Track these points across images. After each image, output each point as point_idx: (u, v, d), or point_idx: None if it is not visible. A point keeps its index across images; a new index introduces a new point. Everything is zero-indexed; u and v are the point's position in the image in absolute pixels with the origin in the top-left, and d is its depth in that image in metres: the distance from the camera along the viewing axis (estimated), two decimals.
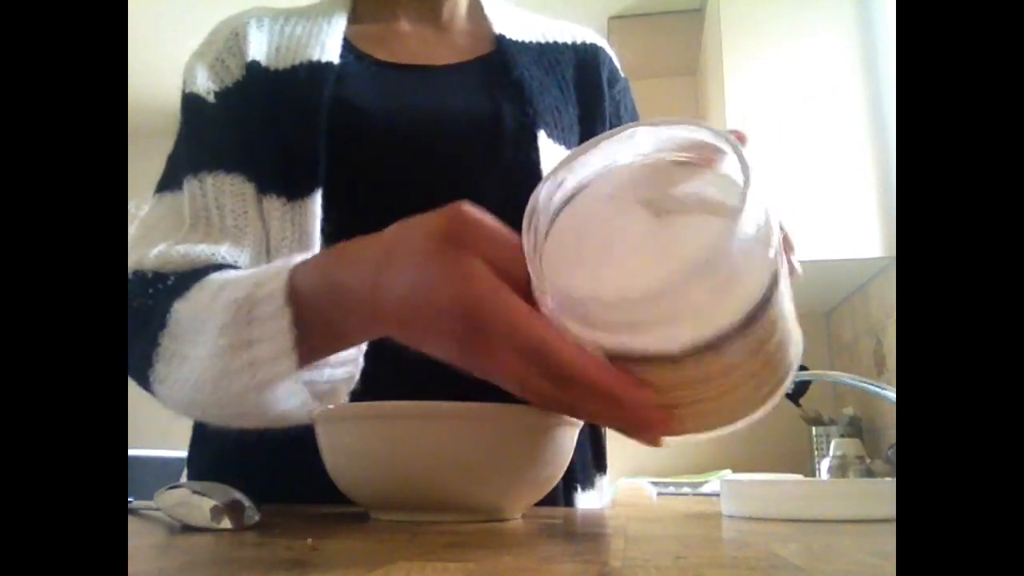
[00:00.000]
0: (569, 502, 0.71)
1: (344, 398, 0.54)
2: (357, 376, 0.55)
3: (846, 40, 2.14)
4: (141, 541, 0.33)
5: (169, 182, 0.71)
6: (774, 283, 0.35)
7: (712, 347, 0.34)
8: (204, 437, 0.72)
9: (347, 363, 0.54)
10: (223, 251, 0.64)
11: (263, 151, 0.69)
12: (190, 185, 0.68)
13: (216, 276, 0.58)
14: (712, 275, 0.33)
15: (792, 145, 2.09)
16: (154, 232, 0.67)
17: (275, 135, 0.69)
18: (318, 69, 0.71)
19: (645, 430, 0.38)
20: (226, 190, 0.67)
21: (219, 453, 0.68)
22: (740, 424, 0.37)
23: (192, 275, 0.59)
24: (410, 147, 0.69)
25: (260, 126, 0.70)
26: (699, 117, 2.91)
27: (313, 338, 0.48)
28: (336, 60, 0.72)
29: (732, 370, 0.35)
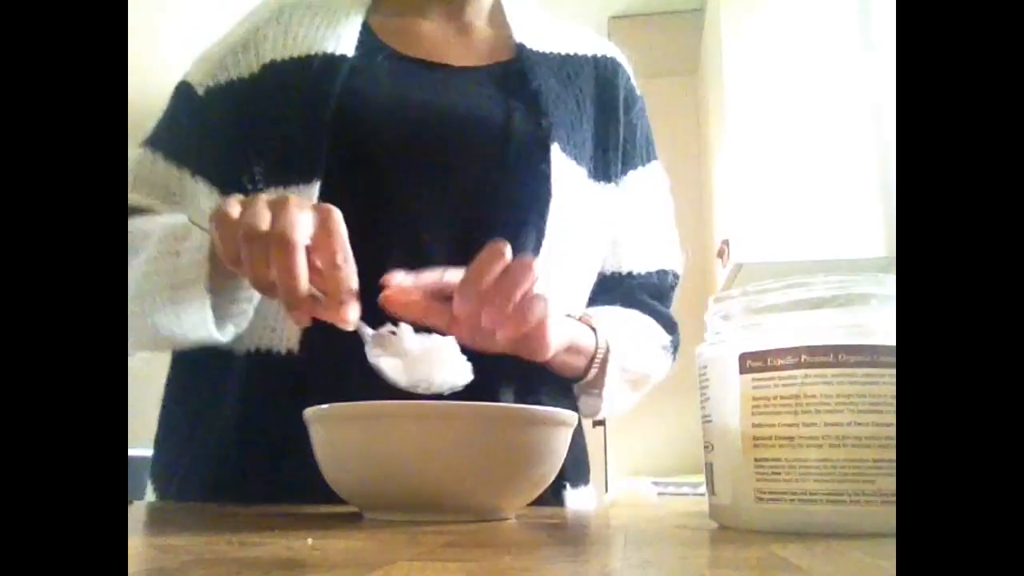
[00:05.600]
0: (559, 501, 0.70)
1: (229, 335, 0.63)
2: (244, 324, 0.64)
3: (846, 40, 2.14)
4: (141, 541, 0.33)
5: (146, 141, 0.77)
6: None
7: None
8: (197, 439, 0.72)
9: (240, 315, 0.63)
10: (155, 208, 0.73)
11: (264, 142, 0.70)
12: (144, 155, 0.75)
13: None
14: None
15: (792, 145, 2.09)
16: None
17: (281, 123, 0.69)
18: (330, 61, 0.70)
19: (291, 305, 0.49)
20: (171, 179, 0.73)
21: (212, 454, 0.68)
22: None
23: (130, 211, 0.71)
24: (415, 144, 0.69)
25: (265, 115, 0.70)
26: (699, 117, 2.91)
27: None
28: (350, 53, 0.71)
29: None
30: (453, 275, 0.55)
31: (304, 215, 0.50)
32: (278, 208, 0.50)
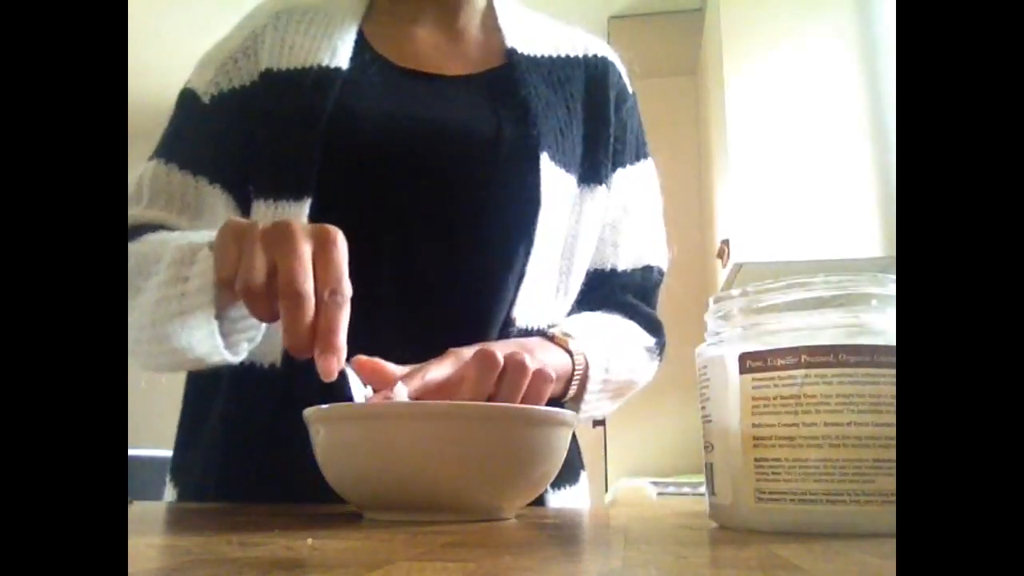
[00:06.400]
0: (540, 503, 0.70)
1: (242, 352, 0.61)
2: (258, 339, 0.61)
3: (846, 40, 2.14)
4: (141, 541, 0.33)
5: (157, 152, 0.75)
6: None
7: None
8: (195, 440, 0.72)
9: (251, 329, 0.61)
10: (172, 222, 0.71)
11: (259, 153, 0.70)
12: (158, 167, 0.73)
13: (167, 232, 0.67)
14: None
15: (792, 145, 2.09)
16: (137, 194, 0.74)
17: (275, 137, 0.70)
18: (325, 75, 0.71)
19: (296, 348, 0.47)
20: (188, 189, 0.72)
21: (210, 456, 0.69)
22: None
23: (146, 227, 0.68)
24: (406, 158, 0.69)
25: (261, 127, 0.70)
26: (699, 117, 2.91)
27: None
28: (345, 65, 0.72)
29: None
30: (436, 373, 0.55)
31: (307, 248, 0.47)
32: (281, 247, 0.47)
